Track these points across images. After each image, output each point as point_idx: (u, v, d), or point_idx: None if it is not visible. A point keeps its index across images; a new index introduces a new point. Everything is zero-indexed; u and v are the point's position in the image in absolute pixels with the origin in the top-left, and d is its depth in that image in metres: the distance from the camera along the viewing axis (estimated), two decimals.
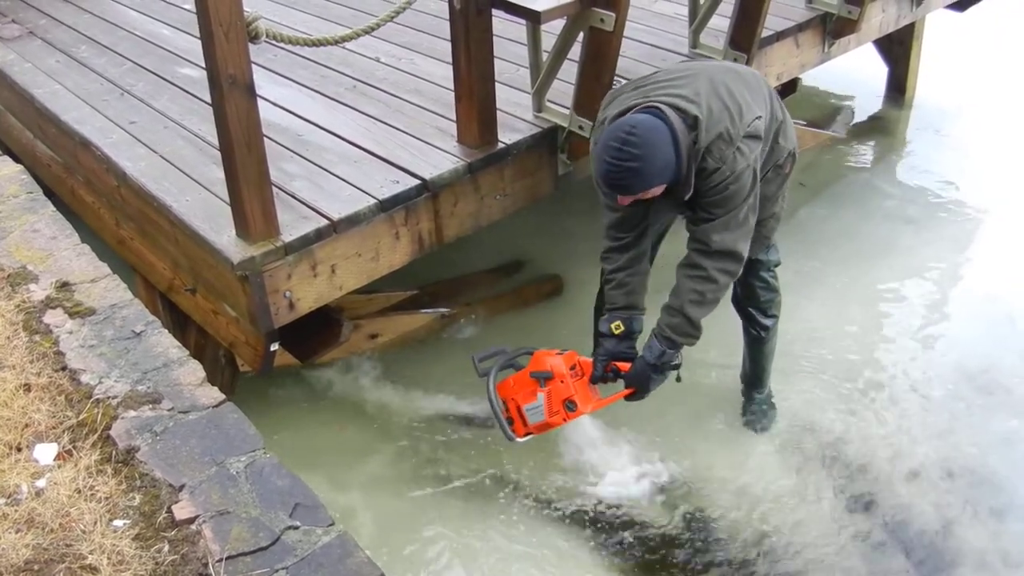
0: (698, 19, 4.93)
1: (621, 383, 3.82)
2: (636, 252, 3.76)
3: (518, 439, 3.86)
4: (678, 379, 3.85)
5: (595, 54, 3.97)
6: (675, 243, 4.04)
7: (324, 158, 4.14)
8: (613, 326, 3.79)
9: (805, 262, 5.54)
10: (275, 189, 3.60)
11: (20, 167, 4.61)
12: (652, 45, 5.16)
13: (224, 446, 2.85)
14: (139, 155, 4.23)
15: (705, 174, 3.43)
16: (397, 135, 4.30)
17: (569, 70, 4.18)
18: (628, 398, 3.83)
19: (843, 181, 6.69)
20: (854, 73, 7.85)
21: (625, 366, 3.78)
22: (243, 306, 3.62)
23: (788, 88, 5.93)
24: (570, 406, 3.74)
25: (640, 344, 3.81)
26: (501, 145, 4.16)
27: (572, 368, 3.79)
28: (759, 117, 3.49)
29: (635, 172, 3.32)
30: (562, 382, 3.75)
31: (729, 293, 4.26)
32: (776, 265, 4.18)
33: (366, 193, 3.83)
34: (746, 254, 3.62)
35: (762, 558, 3.90)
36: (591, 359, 3.83)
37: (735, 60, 4.81)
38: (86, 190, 4.64)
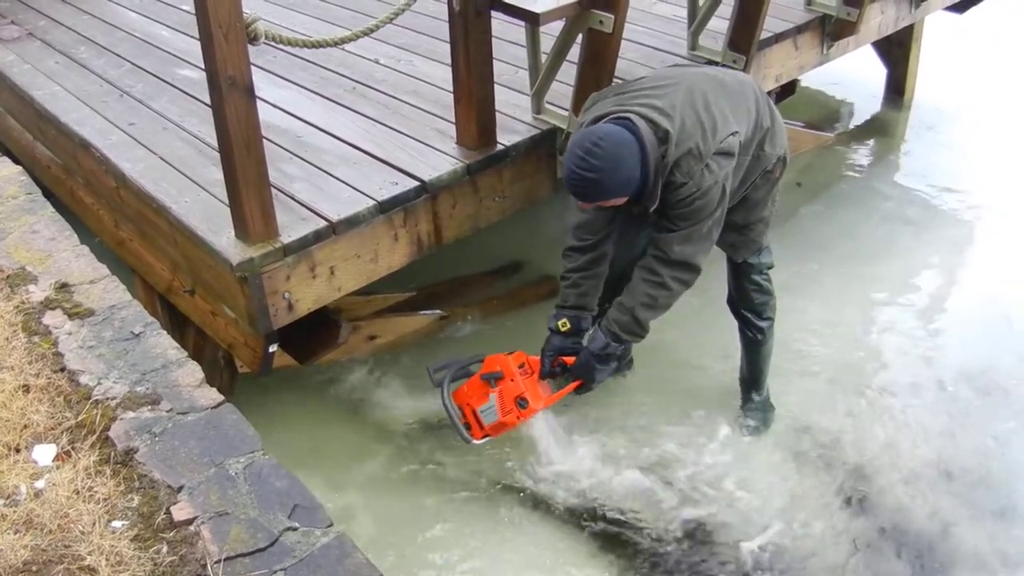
0: (697, 21, 4.93)
1: (569, 378, 3.90)
2: (596, 255, 3.82)
3: (475, 441, 3.95)
4: (623, 375, 3.98)
5: (594, 56, 3.98)
6: None
7: (323, 160, 4.14)
8: (560, 323, 3.88)
9: (803, 263, 5.54)
10: (274, 190, 3.60)
11: (19, 168, 4.61)
12: (651, 47, 5.17)
13: (223, 447, 2.86)
14: (138, 156, 4.23)
15: (672, 187, 3.47)
16: (396, 137, 4.31)
17: (568, 72, 4.19)
18: (577, 391, 3.92)
19: (842, 182, 6.69)
20: (853, 75, 7.85)
21: (571, 360, 3.86)
22: (242, 307, 3.62)
23: (787, 90, 5.93)
24: (522, 403, 3.82)
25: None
26: (500, 147, 4.16)
27: (521, 366, 3.88)
28: (734, 133, 3.51)
29: (594, 183, 3.38)
30: (512, 380, 3.84)
31: (724, 295, 4.28)
32: (769, 268, 4.19)
33: (365, 195, 3.83)
34: (703, 266, 3.68)
35: (758, 560, 3.90)
36: (539, 357, 3.91)
37: (734, 62, 4.82)
38: (85, 191, 4.64)
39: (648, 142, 3.36)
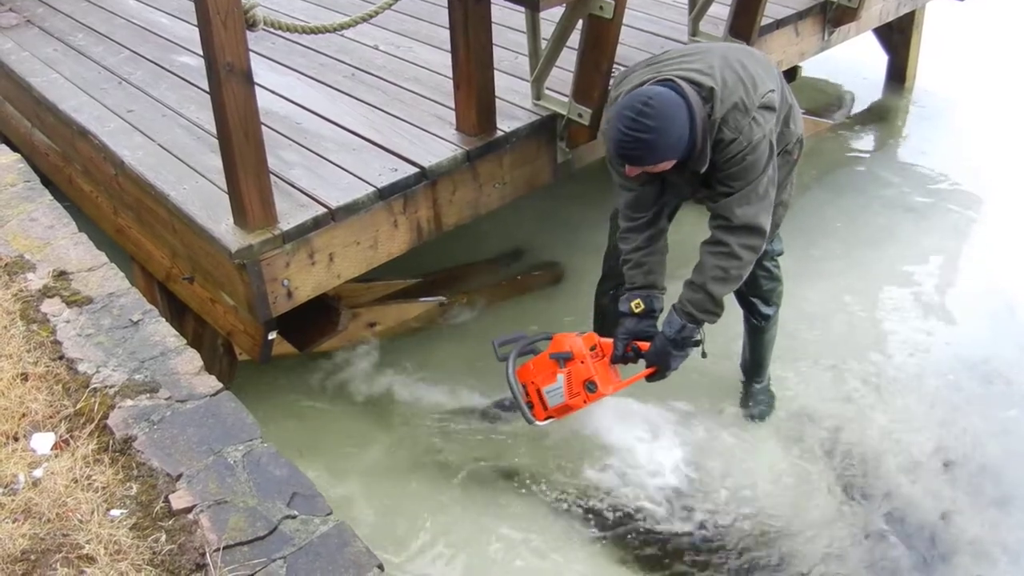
0: (698, 7, 4.91)
1: (642, 363, 3.78)
2: (654, 231, 3.74)
3: (538, 423, 3.85)
4: (703, 355, 3.78)
5: (594, 42, 3.96)
6: (694, 224, 4.03)
7: (322, 146, 4.13)
8: (633, 304, 3.76)
9: (805, 250, 5.53)
10: (273, 177, 3.59)
11: (17, 156, 4.60)
12: (651, 33, 5.15)
13: (221, 435, 2.85)
14: (137, 143, 4.22)
15: (722, 145, 3.41)
16: (396, 123, 4.29)
17: (568, 58, 4.17)
18: (650, 378, 3.80)
19: (843, 170, 6.67)
20: (854, 61, 7.83)
21: (645, 345, 3.75)
22: (241, 295, 3.61)
23: (788, 76, 5.91)
24: (591, 387, 3.70)
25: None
26: (500, 133, 4.14)
27: (592, 349, 3.75)
28: (772, 90, 3.48)
29: (647, 144, 3.30)
30: (582, 363, 3.72)
31: None
32: (779, 254, 4.17)
33: (364, 181, 3.81)
34: (768, 228, 3.58)
35: (760, 548, 3.90)
36: (611, 340, 3.79)
37: None
38: (84, 179, 4.63)
39: (694, 102, 3.32)
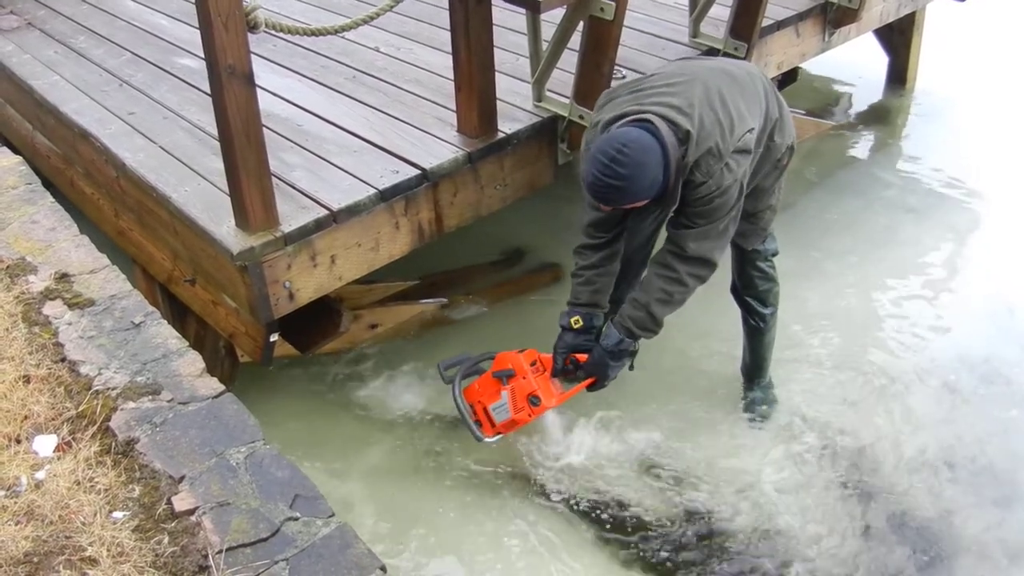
0: (699, 8, 4.92)
1: (581, 376, 3.88)
2: (610, 252, 3.82)
3: (487, 439, 3.95)
4: (631, 367, 3.91)
5: (595, 43, 3.96)
6: None
7: (324, 148, 4.13)
8: (572, 320, 3.86)
9: (805, 251, 5.53)
10: (274, 179, 3.59)
11: (19, 158, 4.60)
12: (652, 34, 5.15)
13: (224, 437, 2.85)
14: (138, 146, 4.22)
15: (692, 186, 3.46)
16: (397, 125, 4.30)
17: (569, 59, 4.18)
18: (589, 388, 3.92)
19: (843, 170, 6.67)
20: (854, 62, 7.83)
21: (584, 357, 3.85)
22: (243, 297, 3.62)
23: (789, 77, 5.93)
24: (534, 401, 3.82)
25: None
26: (501, 135, 4.15)
27: (533, 364, 3.87)
28: (751, 130, 3.49)
29: (620, 190, 3.36)
30: (524, 378, 3.83)
31: (728, 283, 4.27)
32: (773, 255, 4.18)
33: (366, 183, 3.82)
34: (719, 262, 3.68)
35: (762, 548, 3.90)
36: (551, 355, 3.90)
37: (735, 49, 4.81)
38: (85, 181, 4.63)
39: (669, 144, 3.34)
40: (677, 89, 3.49)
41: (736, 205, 3.54)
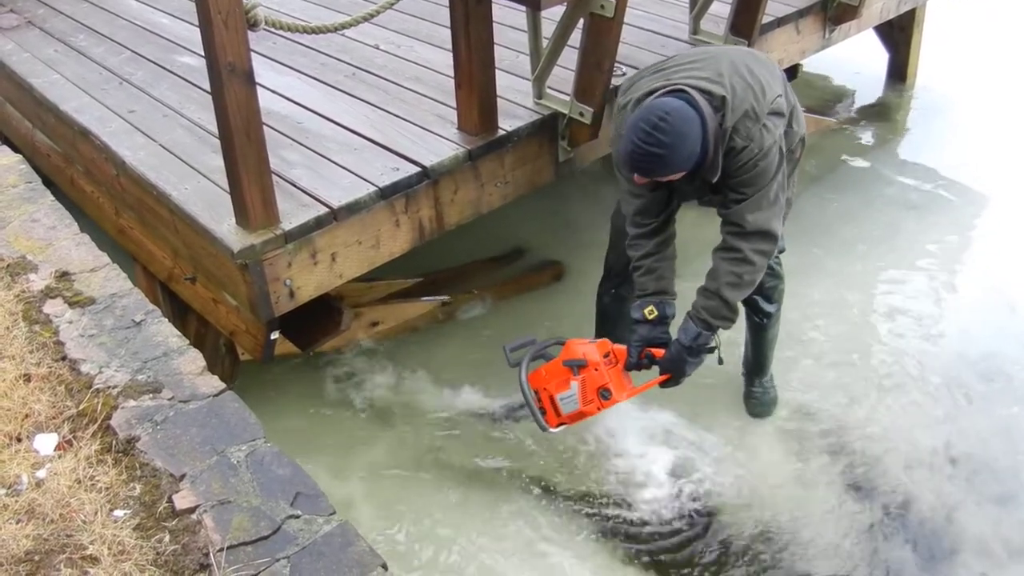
0: (699, 5, 4.91)
1: (655, 370, 3.78)
2: (663, 237, 3.74)
3: (551, 429, 3.82)
4: (720, 361, 3.79)
5: (595, 41, 3.96)
6: (694, 224, 4.02)
7: (324, 146, 4.13)
8: (647, 311, 3.74)
9: (806, 248, 5.53)
10: (275, 177, 3.59)
11: (19, 157, 4.60)
12: (652, 31, 5.15)
13: (224, 435, 2.85)
14: (138, 144, 4.22)
15: (733, 153, 3.42)
16: (397, 122, 4.29)
17: (569, 57, 4.17)
18: (663, 384, 3.79)
19: (844, 167, 6.67)
20: (855, 59, 7.83)
21: (659, 352, 3.74)
22: (243, 295, 3.62)
23: (789, 74, 5.90)
24: (604, 394, 3.69)
25: (674, 329, 3.77)
26: (501, 132, 4.15)
27: (606, 356, 3.74)
28: (780, 95, 3.49)
29: (660, 158, 3.31)
30: (596, 370, 3.70)
31: None
32: (781, 252, 4.17)
33: (366, 180, 3.82)
34: (780, 233, 3.60)
35: (763, 544, 3.90)
36: (624, 347, 3.78)
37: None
38: (85, 179, 4.63)
39: (707, 114, 3.32)
40: (703, 64, 3.49)
41: (780, 169, 3.49)
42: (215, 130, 3.54)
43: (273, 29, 3.43)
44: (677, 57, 3.66)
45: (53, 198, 4.17)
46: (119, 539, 2.51)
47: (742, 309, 4.27)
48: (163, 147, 4.19)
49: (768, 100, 3.42)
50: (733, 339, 4.62)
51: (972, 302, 5.24)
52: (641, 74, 3.67)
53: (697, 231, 4.05)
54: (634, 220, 3.74)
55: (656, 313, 3.73)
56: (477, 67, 3.93)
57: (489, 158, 4.12)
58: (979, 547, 3.87)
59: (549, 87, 4.33)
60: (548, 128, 4.32)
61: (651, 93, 3.43)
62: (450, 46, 3.99)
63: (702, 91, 3.36)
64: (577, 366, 3.72)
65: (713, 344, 3.72)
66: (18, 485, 2.71)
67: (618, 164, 3.60)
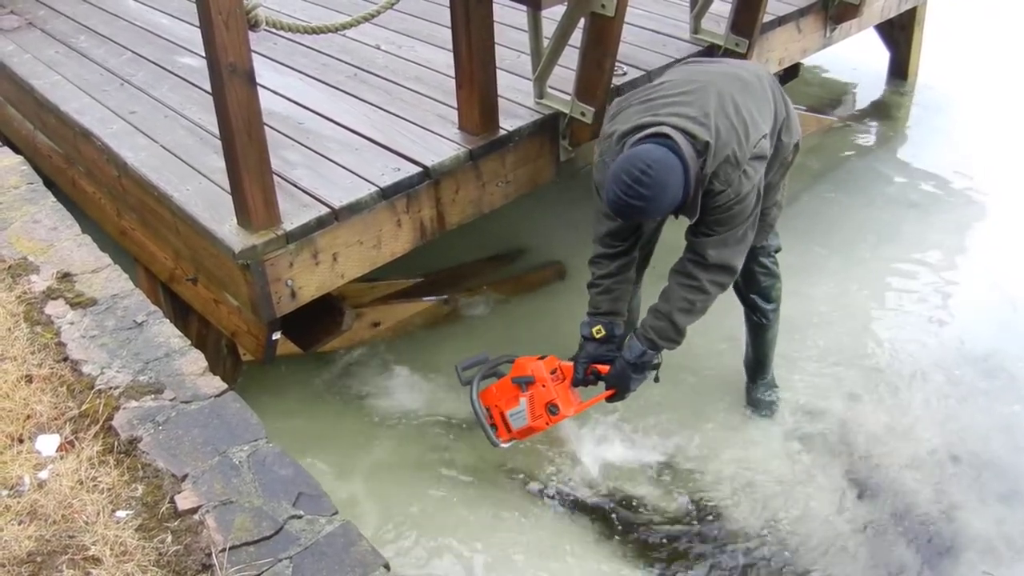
0: (699, 5, 4.91)
1: (602, 385, 3.87)
2: (626, 260, 3.80)
3: (502, 444, 3.93)
4: (656, 379, 3.92)
5: (596, 40, 3.96)
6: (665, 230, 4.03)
7: (325, 146, 4.13)
8: (595, 330, 3.83)
9: (808, 247, 5.53)
10: (276, 177, 3.59)
11: (20, 158, 4.60)
12: (653, 31, 5.15)
13: (226, 436, 2.85)
14: (139, 145, 4.22)
15: (711, 195, 3.44)
16: (398, 122, 4.29)
17: (570, 56, 4.17)
18: (609, 399, 3.90)
19: (845, 166, 6.67)
20: (856, 58, 7.83)
21: (605, 368, 3.83)
22: (245, 295, 3.62)
23: (790, 73, 5.92)
24: (552, 409, 3.79)
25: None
26: (502, 132, 4.15)
27: (553, 372, 3.84)
28: (764, 136, 3.49)
29: (643, 209, 3.34)
30: (543, 386, 3.81)
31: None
32: (777, 251, 4.18)
33: (367, 181, 3.82)
34: (740, 267, 3.68)
35: (765, 544, 3.90)
36: (571, 363, 3.87)
37: (736, 46, 4.80)
38: (87, 180, 4.63)
39: (689, 158, 3.32)
40: (691, 98, 3.46)
41: (754, 211, 3.54)
42: (216, 131, 3.54)
43: (274, 29, 3.43)
44: (666, 85, 3.60)
45: (54, 199, 4.17)
46: (121, 540, 2.51)
47: (738, 305, 4.29)
48: (164, 148, 4.19)
49: (751, 144, 3.42)
50: (735, 338, 4.64)
51: (974, 300, 5.23)
52: (628, 101, 3.63)
53: (674, 235, 4.03)
54: (603, 240, 3.78)
55: (604, 333, 3.83)
56: (478, 67, 3.93)
57: (490, 158, 4.12)
58: (982, 545, 3.87)
59: (550, 87, 4.34)
60: (549, 128, 4.33)
61: (637, 128, 3.42)
62: (451, 46, 3.99)
63: (687, 133, 3.35)
64: (525, 383, 3.84)
65: (657, 361, 3.82)
66: (20, 486, 2.71)
67: (598, 187, 3.62)
